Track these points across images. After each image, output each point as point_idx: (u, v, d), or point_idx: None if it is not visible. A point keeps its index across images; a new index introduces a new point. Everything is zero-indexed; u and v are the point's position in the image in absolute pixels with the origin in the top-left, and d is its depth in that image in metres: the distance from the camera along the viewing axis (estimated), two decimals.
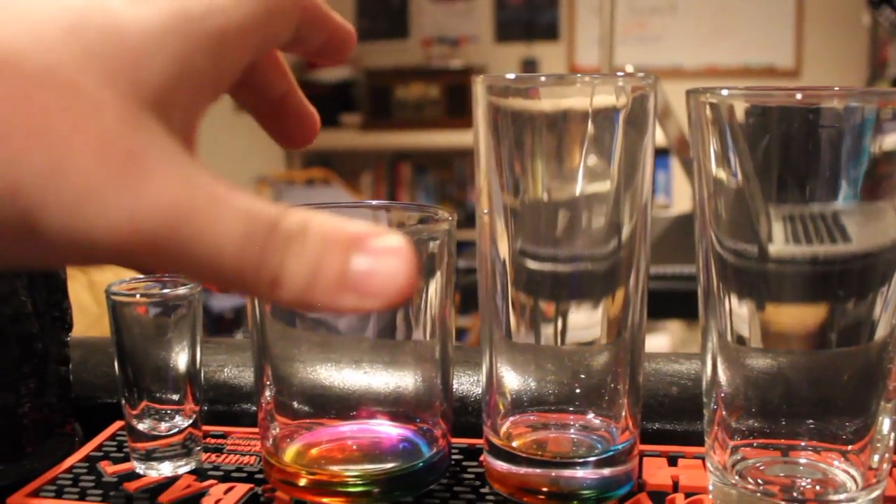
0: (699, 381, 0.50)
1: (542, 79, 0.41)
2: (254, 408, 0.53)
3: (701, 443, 0.46)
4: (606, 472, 0.42)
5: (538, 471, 0.42)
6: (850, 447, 0.40)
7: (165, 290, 0.45)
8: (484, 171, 0.42)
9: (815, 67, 3.96)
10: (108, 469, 0.46)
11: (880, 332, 0.38)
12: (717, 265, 0.40)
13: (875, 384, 0.39)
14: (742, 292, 0.40)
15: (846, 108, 0.36)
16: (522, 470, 0.42)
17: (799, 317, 0.40)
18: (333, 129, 4.45)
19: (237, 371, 0.54)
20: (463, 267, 1.48)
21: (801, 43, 4.00)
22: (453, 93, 4.29)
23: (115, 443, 0.50)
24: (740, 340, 0.40)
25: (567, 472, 0.41)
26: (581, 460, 0.41)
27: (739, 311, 0.40)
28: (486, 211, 0.42)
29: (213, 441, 0.49)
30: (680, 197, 3.73)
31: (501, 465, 0.43)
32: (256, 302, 0.43)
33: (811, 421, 0.40)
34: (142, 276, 0.45)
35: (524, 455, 0.42)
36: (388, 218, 0.48)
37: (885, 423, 0.39)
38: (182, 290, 0.44)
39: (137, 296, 0.44)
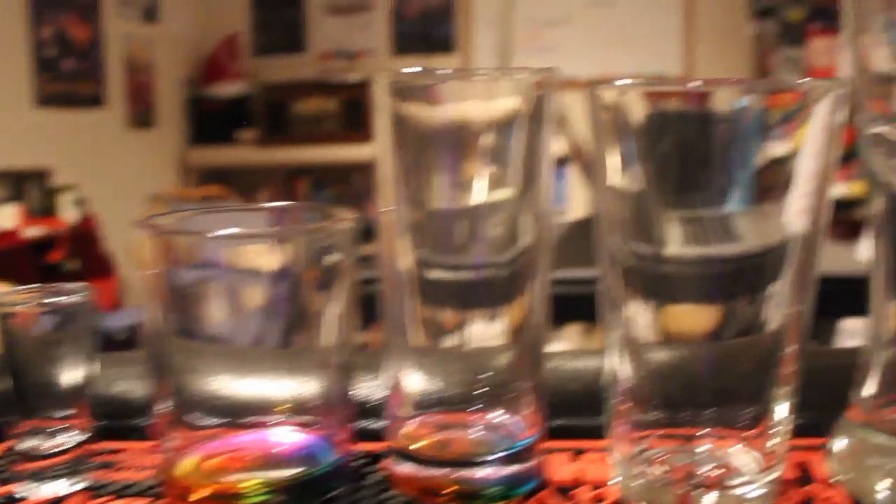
0: (600, 376, 0.50)
1: (442, 72, 0.41)
2: (148, 422, 0.51)
3: (603, 436, 0.46)
4: (511, 469, 0.41)
5: (442, 471, 0.41)
6: (748, 433, 0.41)
7: (58, 299, 0.43)
8: (389, 177, 0.42)
9: (705, 75, 4.06)
10: None
11: (772, 325, 0.39)
12: (619, 266, 0.40)
13: (769, 372, 0.40)
14: (643, 292, 0.40)
15: (736, 106, 0.37)
16: (426, 472, 0.41)
17: (697, 314, 0.40)
18: (229, 145, 4.39)
19: (131, 385, 0.52)
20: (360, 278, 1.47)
21: (691, 52, 4.12)
22: (351, 107, 4.27)
23: None
24: (641, 336, 0.41)
25: (470, 472, 0.41)
26: (484, 459, 0.41)
27: (640, 310, 0.41)
28: (388, 210, 0.42)
29: (106, 458, 0.47)
30: (574, 203, 3.79)
31: (404, 468, 0.42)
32: (151, 312, 0.42)
33: (712, 409, 0.41)
34: (30, 285, 0.43)
35: (426, 456, 0.41)
36: (286, 219, 0.47)
37: (782, 409, 0.40)
38: (75, 298, 0.42)
39: (28, 305, 0.42)
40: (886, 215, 0.42)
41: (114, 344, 2.75)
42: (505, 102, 0.41)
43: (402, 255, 0.42)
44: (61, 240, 2.90)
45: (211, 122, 4.38)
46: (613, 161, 0.39)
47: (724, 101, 0.38)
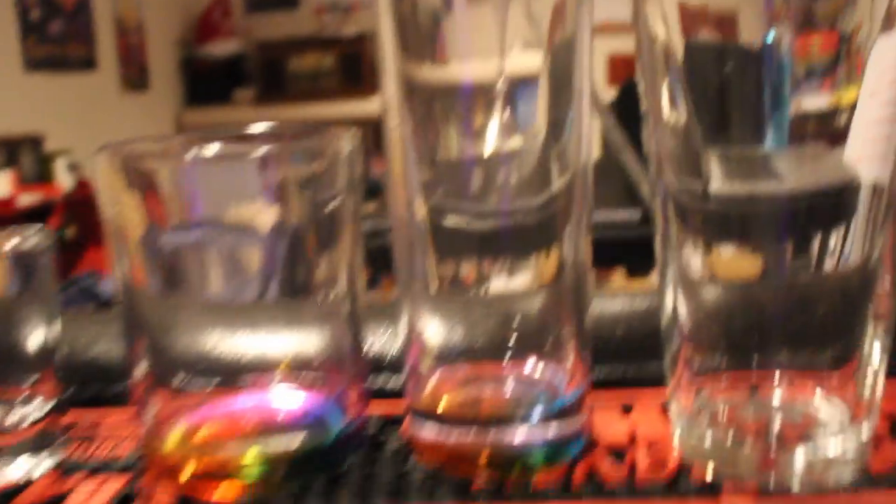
0: (647, 319, 0.44)
1: None
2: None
3: (654, 385, 0.40)
4: (554, 429, 0.35)
5: (472, 434, 0.35)
6: (831, 378, 0.34)
7: (11, 243, 0.36)
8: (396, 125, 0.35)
9: None
10: None
11: (860, 257, 0.33)
12: (675, 205, 0.34)
13: (857, 308, 0.34)
14: (703, 231, 0.34)
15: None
16: (454, 436, 0.35)
17: (767, 253, 0.34)
18: (225, 104, 4.31)
19: (111, 346, 0.46)
20: (369, 230, 1.40)
21: None
22: (348, 62, 4.18)
23: None
24: (703, 274, 0.34)
25: (507, 434, 0.34)
26: (522, 418, 0.35)
27: (701, 250, 0.34)
28: (396, 125, 0.35)
29: (81, 430, 0.41)
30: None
31: (428, 433, 0.36)
32: (125, 261, 0.35)
33: (785, 352, 0.34)
34: None
35: (453, 417, 0.35)
36: (270, 148, 0.40)
37: (873, 349, 0.34)
38: (32, 242, 0.36)
39: None
40: None
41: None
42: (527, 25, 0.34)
43: (417, 203, 0.35)
44: (58, 207, 2.83)
45: (206, 81, 4.30)
46: (664, 94, 0.34)
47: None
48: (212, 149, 0.37)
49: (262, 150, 0.34)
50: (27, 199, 2.78)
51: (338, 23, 4.27)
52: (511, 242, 0.36)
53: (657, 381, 0.38)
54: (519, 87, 0.34)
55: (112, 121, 3.69)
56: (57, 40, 3.44)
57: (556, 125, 0.35)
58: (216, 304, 0.37)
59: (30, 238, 0.36)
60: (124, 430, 0.41)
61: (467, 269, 0.36)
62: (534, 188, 0.35)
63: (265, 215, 0.35)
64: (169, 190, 0.34)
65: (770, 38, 0.32)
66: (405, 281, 0.36)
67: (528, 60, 0.35)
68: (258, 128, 0.39)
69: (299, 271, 0.37)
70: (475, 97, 0.35)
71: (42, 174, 3.06)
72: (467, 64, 0.35)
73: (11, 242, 0.36)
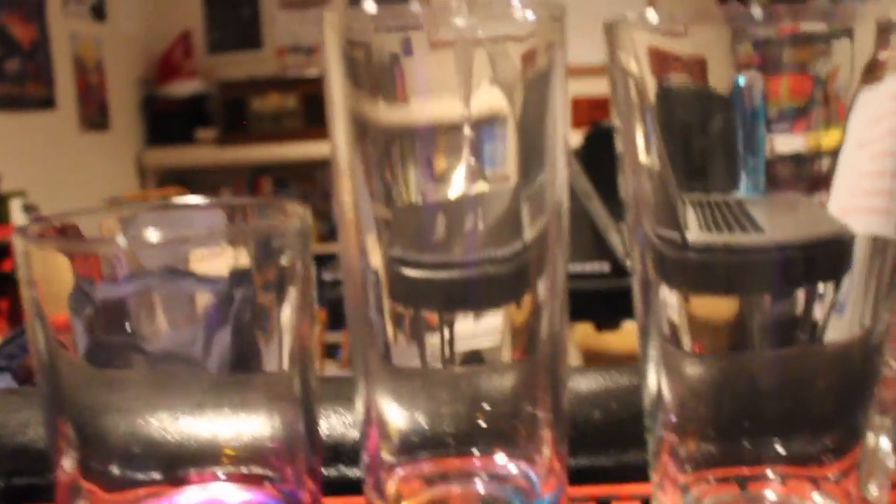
0: (627, 400, 0.41)
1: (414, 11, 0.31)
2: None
3: (634, 478, 0.37)
4: None
5: None
6: (831, 472, 0.31)
7: None
8: (344, 164, 0.32)
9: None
10: None
11: (860, 328, 0.30)
12: (655, 259, 0.31)
13: (858, 388, 0.31)
14: (683, 287, 0.31)
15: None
16: None
17: (761, 311, 0.31)
18: (188, 145, 4.26)
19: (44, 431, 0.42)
20: (330, 280, 1.37)
21: None
22: (311, 102, 4.16)
23: None
24: (688, 343, 0.32)
25: None
26: None
27: (684, 308, 0.31)
28: (347, 206, 0.32)
29: None
30: None
31: None
32: (40, 330, 0.32)
33: (778, 440, 0.32)
34: None
35: None
36: (225, 217, 0.37)
37: (882, 442, 0.31)
38: None
39: None
40: None
41: None
42: (496, 63, 0.31)
43: (370, 253, 0.32)
44: (13, 248, 2.76)
45: (167, 121, 4.26)
46: (639, 138, 0.31)
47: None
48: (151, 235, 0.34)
49: (207, 238, 0.31)
50: None
51: (300, 64, 4.25)
52: (479, 297, 0.33)
53: (638, 473, 0.36)
54: (486, 127, 0.32)
55: (71, 161, 3.63)
56: (14, 79, 3.39)
57: (528, 168, 0.32)
58: (151, 382, 0.33)
59: None
60: None
61: (429, 331, 0.33)
62: (503, 236, 0.32)
63: (205, 297, 0.31)
64: (99, 269, 0.31)
65: (741, 82, 0.30)
66: (360, 346, 0.33)
67: (496, 99, 0.32)
68: (207, 203, 0.35)
69: (246, 349, 0.33)
70: (437, 137, 0.32)
71: None
72: (427, 102, 0.32)
73: None
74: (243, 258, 0.32)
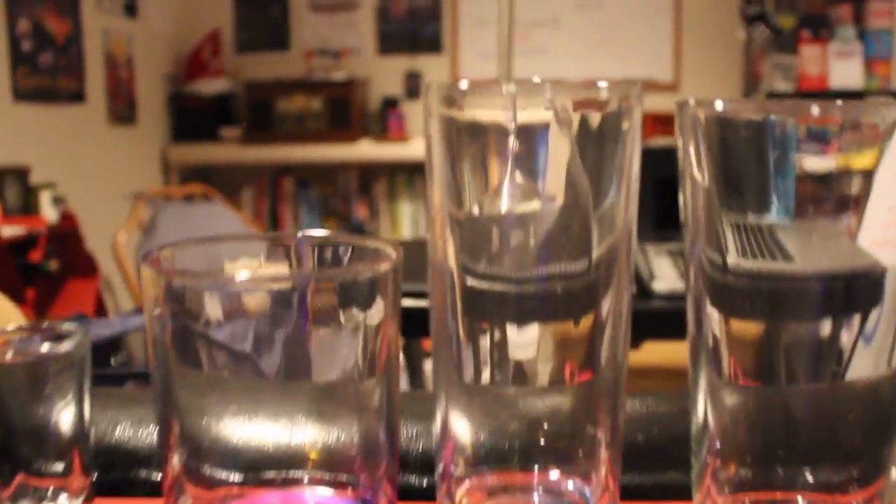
0: (664, 426, 0.44)
1: (510, 87, 0.35)
2: (154, 474, 0.45)
3: (672, 497, 0.41)
4: None
5: None
6: (853, 499, 0.35)
7: (45, 345, 0.37)
8: (437, 187, 0.36)
9: (693, 81, 4.04)
10: None
11: (888, 364, 0.34)
12: (704, 280, 0.35)
13: (887, 424, 0.34)
14: (723, 309, 0.35)
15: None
16: None
17: (792, 338, 0.35)
18: (212, 142, 4.31)
19: (132, 431, 0.46)
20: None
21: (680, 57, 4.08)
22: (336, 105, 4.20)
23: None
24: (725, 365, 0.35)
25: None
26: None
27: (724, 331, 0.35)
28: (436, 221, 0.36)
29: None
30: None
31: None
32: (158, 342, 0.36)
33: (810, 469, 0.35)
34: (20, 325, 0.37)
35: None
36: (317, 255, 0.41)
37: None
38: (66, 346, 0.37)
39: (10, 352, 0.36)
40: None
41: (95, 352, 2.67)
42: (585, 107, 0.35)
43: (452, 267, 0.36)
44: (42, 239, 2.81)
45: (193, 119, 4.30)
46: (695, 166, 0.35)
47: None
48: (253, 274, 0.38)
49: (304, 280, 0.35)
50: (11, 231, 2.76)
51: (327, 67, 4.29)
52: (546, 311, 0.36)
53: (675, 491, 0.39)
54: (562, 143, 0.35)
55: (98, 154, 3.69)
56: (47, 72, 3.44)
57: (600, 190, 0.36)
58: (247, 395, 0.37)
59: (67, 337, 0.37)
60: None
61: (498, 350, 0.36)
62: (574, 253, 0.36)
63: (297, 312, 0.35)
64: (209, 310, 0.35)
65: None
66: (441, 363, 0.37)
67: (577, 117, 0.35)
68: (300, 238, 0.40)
69: (335, 360, 0.37)
70: (517, 150, 0.36)
71: (27, 206, 3.04)
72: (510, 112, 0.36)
73: (48, 344, 0.37)
74: (334, 298, 0.36)
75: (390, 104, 4.29)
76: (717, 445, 0.36)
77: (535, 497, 0.37)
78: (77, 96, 3.64)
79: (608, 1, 4.08)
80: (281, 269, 0.38)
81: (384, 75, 4.35)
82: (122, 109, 3.94)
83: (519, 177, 0.36)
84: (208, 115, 4.32)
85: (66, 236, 2.93)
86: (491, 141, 0.36)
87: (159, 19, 4.24)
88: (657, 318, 1.38)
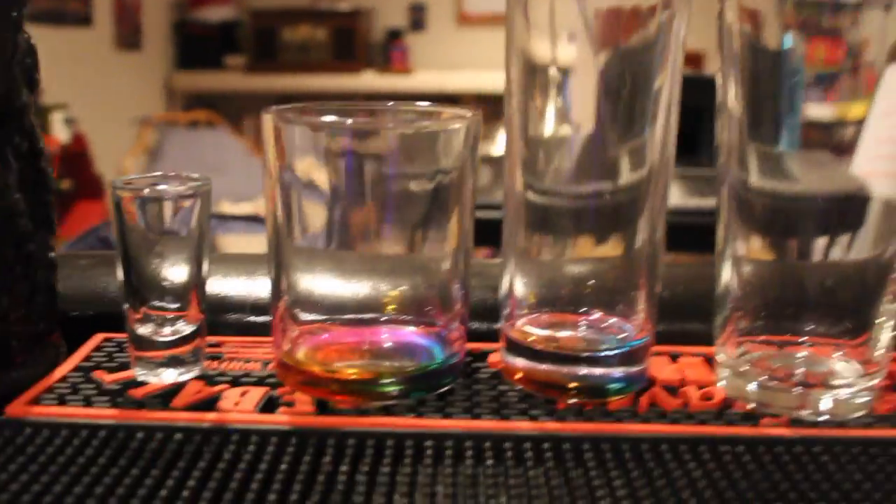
0: (687, 286, 0.52)
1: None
2: (244, 318, 0.52)
3: (693, 342, 0.48)
4: (625, 368, 0.43)
5: (556, 366, 0.42)
6: (850, 343, 0.42)
7: (173, 186, 0.43)
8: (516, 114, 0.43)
9: None
10: (106, 378, 0.45)
11: (871, 250, 0.41)
12: (733, 194, 0.42)
13: (873, 290, 0.42)
14: (751, 219, 0.42)
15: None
16: (543, 367, 0.43)
17: (799, 243, 0.42)
18: (217, 70, 4.34)
19: (222, 281, 0.53)
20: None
21: None
22: (341, 35, 4.22)
23: (102, 354, 0.48)
24: (751, 257, 0.42)
25: (588, 369, 0.42)
26: (595, 354, 0.42)
27: (751, 236, 0.42)
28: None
29: (210, 350, 0.48)
30: None
31: (517, 363, 0.44)
32: (272, 208, 0.42)
33: (813, 323, 0.42)
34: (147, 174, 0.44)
35: (539, 351, 0.43)
36: (397, 117, 0.47)
37: (887, 324, 0.42)
38: (191, 185, 0.43)
39: (145, 190, 0.43)
40: None
41: None
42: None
43: (518, 181, 0.43)
44: (54, 159, 2.85)
45: (198, 46, 4.32)
46: (732, 88, 0.41)
47: None
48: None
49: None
50: None
51: None
52: (597, 219, 0.43)
53: (696, 338, 0.47)
54: (618, 77, 0.41)
55: (105, 78, 3.72)
56: None
57: (638, 119, 0.42)
58: (343, 252, 0.44)
59: (190, 183, 0.43)
60: (247, 352, 0.49)
61: (558, 239, 0.43)
62: (618, 174, 0.43)
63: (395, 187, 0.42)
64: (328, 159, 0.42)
65: (787, 43, 0.40)
66: (508, 243, 0.44)
67: (632, 53, 0.42)
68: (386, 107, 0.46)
69: (425, 229, 0.44)
70: (577, 83, 0.42)
71: (40, 125, 3.08)
72: (575, 47, 0.42)
73: (176, 187, 0.43)
74: (421, 154, 0.42)
75: (395, 36, 4.31)
76: (737, 303, 0.43)
77: (586, 328, 0.44)
78: (84, 20, 3.66)
79: None
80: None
81: (388, 6, 4.36)
82: (128, 34, 3.96)
83: (573, 106, 0.42)
84: (213, 42, 4.33)
85: (78, 157, 2.98)
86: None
87: None
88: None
